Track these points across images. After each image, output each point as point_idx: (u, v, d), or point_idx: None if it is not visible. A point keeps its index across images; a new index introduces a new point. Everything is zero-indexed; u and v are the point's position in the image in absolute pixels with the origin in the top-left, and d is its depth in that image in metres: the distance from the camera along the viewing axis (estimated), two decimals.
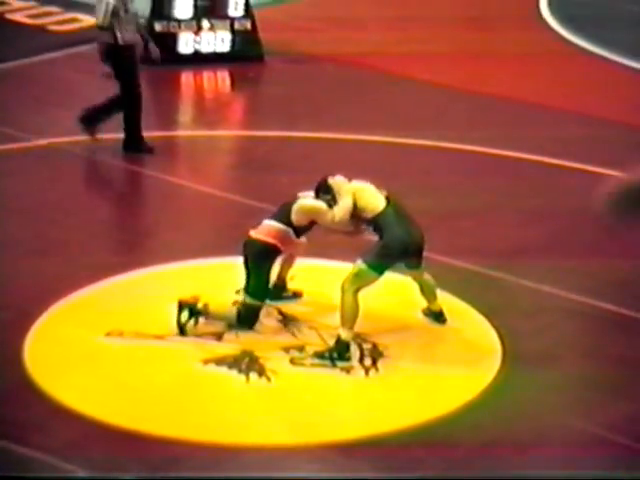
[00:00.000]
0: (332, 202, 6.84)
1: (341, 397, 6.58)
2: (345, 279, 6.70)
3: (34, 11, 12.20)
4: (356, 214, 6.80)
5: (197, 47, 11.38)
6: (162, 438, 6.19)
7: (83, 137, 9.55)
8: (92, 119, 9.45)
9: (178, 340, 6.93)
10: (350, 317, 6.69)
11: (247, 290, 6.92)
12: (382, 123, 9.94)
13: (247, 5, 11.47)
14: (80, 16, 12.11)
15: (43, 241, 8.06)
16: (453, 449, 6.19)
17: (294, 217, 6.91)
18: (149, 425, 6.28)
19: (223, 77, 11.47)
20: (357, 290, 6.68)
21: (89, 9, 12.19)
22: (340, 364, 6.68)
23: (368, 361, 6.80)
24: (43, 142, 9.54)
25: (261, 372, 6.67)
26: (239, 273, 7.40)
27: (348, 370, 6.73)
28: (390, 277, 7.15)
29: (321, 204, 6.88)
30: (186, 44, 11.35)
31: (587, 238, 8.37)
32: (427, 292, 7.06)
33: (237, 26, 11.44)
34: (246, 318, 6.93)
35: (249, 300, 6.91)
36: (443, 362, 6.83)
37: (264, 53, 11.45)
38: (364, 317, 7.08)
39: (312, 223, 7.00)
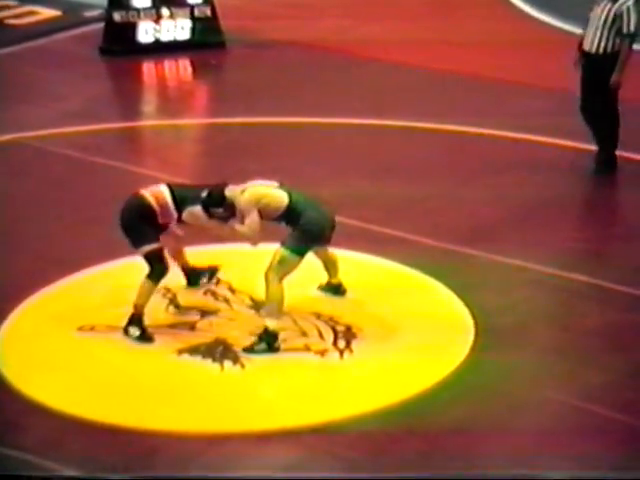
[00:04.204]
0: (225, 215, 6.73)
1: (316, 380, 6.58)
2: (268, 268, 6.67)
3: None
4: (265, 217, 6.74)
5: (157, 36, 11.29)
6: (139, 430, 6.17)
7: (46, 131, 9.49)
8: (610, 162, 8.73)
9: (151, 331, 6.89)
10: (277, 307, 6.69)
11: (136, 244, 6.78)
12: (347, 106, 9.92)
13: None
14: (37, 9, 11.99)
15: (11, 237, 8.00)
16: (431, 428, 6.20)
17: (184, 215, 6.83)
18: (126, 418, 6.25)
19: (184, 65, 11.40)
20: (282, 278, 6.68)
21: (45, 1, 12.11)
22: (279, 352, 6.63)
23: (342, 343, 6.80)
24: (5, 137, 9.45)
25: (235, 359, 6.66)
26: (205, 262, 7.36)
27: (322, 353, 6.74)
28: (360, 260, 7.17)
29: (215, 222, 6.75)
30: (146, 33, 11.27)
31: (557, 212, 8.41)
32: (331, 267, 7.11)
33: (197, 13, 11.36)
34: (156, 266, 6.77)
35: (145, 249, 6.76)
36: (417, 341, 6.83)
37: (225, 40, 11.39)
38: (337, 300, 7.10)
39: None
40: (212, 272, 7.26)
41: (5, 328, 6.91)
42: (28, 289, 7.24)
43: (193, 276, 7.24)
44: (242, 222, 6.75)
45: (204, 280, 7.21)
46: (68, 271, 7.44)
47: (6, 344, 6.78)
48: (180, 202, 6.80)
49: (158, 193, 6.84)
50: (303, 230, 6.69)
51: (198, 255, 7.44)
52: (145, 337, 6.80)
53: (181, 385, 6.52)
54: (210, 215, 6.77)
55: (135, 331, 6.79)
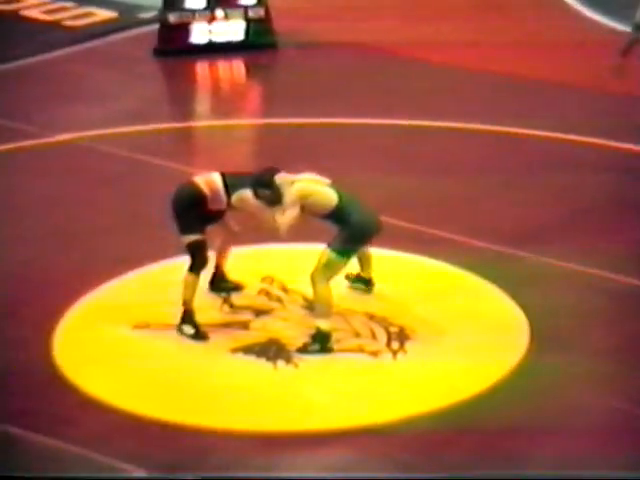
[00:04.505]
0: (271, 198, 6.76)
1: (370, 381, 6.60)
2: (314, 270, 6.71)
3: (49, 7, 12.24)
4: (311, 213, 6.77)
5: (211, 37, 11.37)
6: (192, 428, 6.23)
7: (101, 131, 9.59)
8: None
9: (206, 330, 6.95)
10: (327, 308, 6.72)
11: (182, 232, 6.84)
12: (397, 107, 9.94)
13: None
14: (94, 10, 12.14)
15: (64, 236, 8.10)
16: (484, 430, 6.21)
17: (233, 199, 6.87)
18: (180, 415, 6.32)
19: (238, 66, 11.48)
20: (329, 279, 6.72)
21: (102, 3, 12.25)
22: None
23: (396, 344, 6.83)
24: (61, 137, 9.57)
25: (288, 359, 6.71)
26: (259, 262, 7.42)
27: (376, 354, 6.76)
28: (412, 261, 7.18)
29: (260, 205, 6.77)
30: (200, 34, 11.35)
31: (608, 213, 8.37)
32: (365, 262, 7.14)
33: (251, 14, 11.42)
34: (197, 257, 6.82)
35: (189, 239, 6.82)
36: (471, 343, 6.84)
37: (278, 41, 11.44)
38: (390, 301, 7.12)
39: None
40: (234, 290, 7.25)
41: (62, 324, 7.01)
42: (83, 287, 7.33)
43: (218, 282, 7.24)
44: (283, 214, 6.76)
45: (223, 294, 7.20)
46: (124, 269, 7.52)
47: (63, 340, 6.87)
48: (231, 188, 6.87)
49: (210, 179, 6.92)
50: (350, 233, 6.72)
51: (250, 255, 7.51)
52: (199, 335, 6.87)
53: (235, 384, 6.56)
54: (257, 197, 6.80)
55: (189, 329, 6.86)
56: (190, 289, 6.88)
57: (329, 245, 6.73)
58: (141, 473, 5.87)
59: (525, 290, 7.29)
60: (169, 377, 6.61)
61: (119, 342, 6.89)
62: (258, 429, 6.24)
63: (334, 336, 6.83)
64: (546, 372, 6.61)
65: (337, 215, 6.74)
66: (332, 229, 6.87)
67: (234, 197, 6.85)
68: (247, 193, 6.82)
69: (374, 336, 6.89)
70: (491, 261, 7.66)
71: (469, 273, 7.43)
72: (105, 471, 5.89)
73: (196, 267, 6.88)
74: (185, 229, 6.86)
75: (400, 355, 6.75)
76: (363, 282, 7.22)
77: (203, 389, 6.53)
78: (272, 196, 6.75)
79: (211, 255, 7.10)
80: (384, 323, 6.98)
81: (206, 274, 7.13)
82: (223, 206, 6.91)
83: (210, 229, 7.01)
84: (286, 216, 6.72)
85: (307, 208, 6.76)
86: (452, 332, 6.93)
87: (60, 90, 10.53)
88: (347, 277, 7.19)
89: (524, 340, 6.83)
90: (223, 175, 6.95)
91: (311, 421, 6.30)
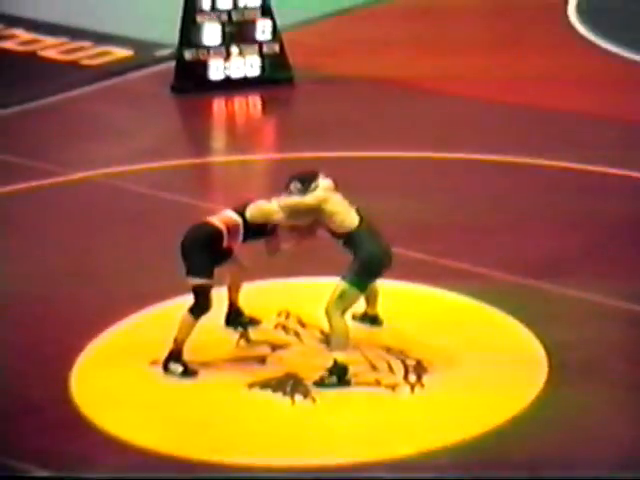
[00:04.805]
0: (300, 191, 6.77)
1: (388, 415, 6.57)
2: (329, 302, 6.69)
3: (66, 47, 12.37)
4: (328, 229, 6.79)
5: (227, 73, 11.45)
6: (210, 464, 6.20)
7: (118, 168, 9.65)
8: None
9: (222, 365, 6.95)
10: (343, 340, 6.70)
11: (190, 272, 6.78)
12: (415, 139, 9.95)
13: (274, 28, 11.54)
14: (111, 49, 12.27)
15: (82, 273, 8.13)
16: (504, 464, 6.15)
17: (248, 211, 6.87)
18: (197, 452, 6.30)
19: (254, 102, 11.55)
20: (344, 312, 6.70)
21: (118, 42, 12.38)
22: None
23: (413, 377, 6.80)
24: (80, 175, 9.64)
25: (306, 394, 6.68)
26: (274, 296, 7.41)
27: (393, 387, 6.73)
28: (429, 293, 7.15)
29: (274, 207, 6.79)
30: (216, 70, 11.43)
31: (627, 244, 8.32)
32: (371, 298, 7.12)
33: (266, 50, 11.50)
34: (200, 301, 6.80)
35: (197, 281, 6.78)
36: (489, 376, 6.80)
37: (294, 75, 11.51)
38: (407, 333, 7.10)
39: (264, 229, 6.91)
40: (251, 324, 7.24)
41: (80, 362, 7.02)
42: (100, 324, 7.34)
43: (234, 317, 7.24)
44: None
45: (239, 328, 7.19)
46: (140, 306, 7.53)
47: (81, 378, 6.89)
48: (241, 214, 6.88)
49: (223, 216, 6.94)
50: (363, 264, 6.71)
51: (265, 289, 7.50)
52: (188, 373, 6.82)
53: (252, 419, 6.55)
54: (287, 189, 6.78)
55: (177, 368, 6.81)
56: (185, 330, 6.84)
57: (343, 277, 6.73)
58: None
59: (543, 321, 7.25)
60: (186, 414, 6.60)
61: (136, 379, 6.89)
62: (276, 464, 6.20)
63: (351, 370, 6.81)
64: (566, 404, 6.56)
65: (352, 240, 6.74)
66: (345, 261, 6.86)
67: (248, 211, 6.84)
68: (262, 202, 6.84)
69: (391, 369, 6.87)
70: (509, 293, 7.62)
71: (486, 305, 7.39)
72: None
73: (197, 311, 6.85)
74: (195, 271, 6.82)
75: (418, 388, 6.72)
76: (370, 320, 7.21)
77: (221, 426, 6.51)
78: (302, 191, 6.74)
79: (223, 292, 7.08)
80: (401, 356, 6.96)
81: (219, 312, 7.11)
82: (240, 239, 6.91)
83: (219, 267, 6.96)
84: (291, 200, 6.74)
85: (325, 220, 6.74)
86: (470, 365, 6.89)
87: (79, 128, 10.61)
88: (354, 317, 7.17)
89: (543, 372, 6.79)
90: (235, 210, 6.98)
91: (329, 456, 6.26)
